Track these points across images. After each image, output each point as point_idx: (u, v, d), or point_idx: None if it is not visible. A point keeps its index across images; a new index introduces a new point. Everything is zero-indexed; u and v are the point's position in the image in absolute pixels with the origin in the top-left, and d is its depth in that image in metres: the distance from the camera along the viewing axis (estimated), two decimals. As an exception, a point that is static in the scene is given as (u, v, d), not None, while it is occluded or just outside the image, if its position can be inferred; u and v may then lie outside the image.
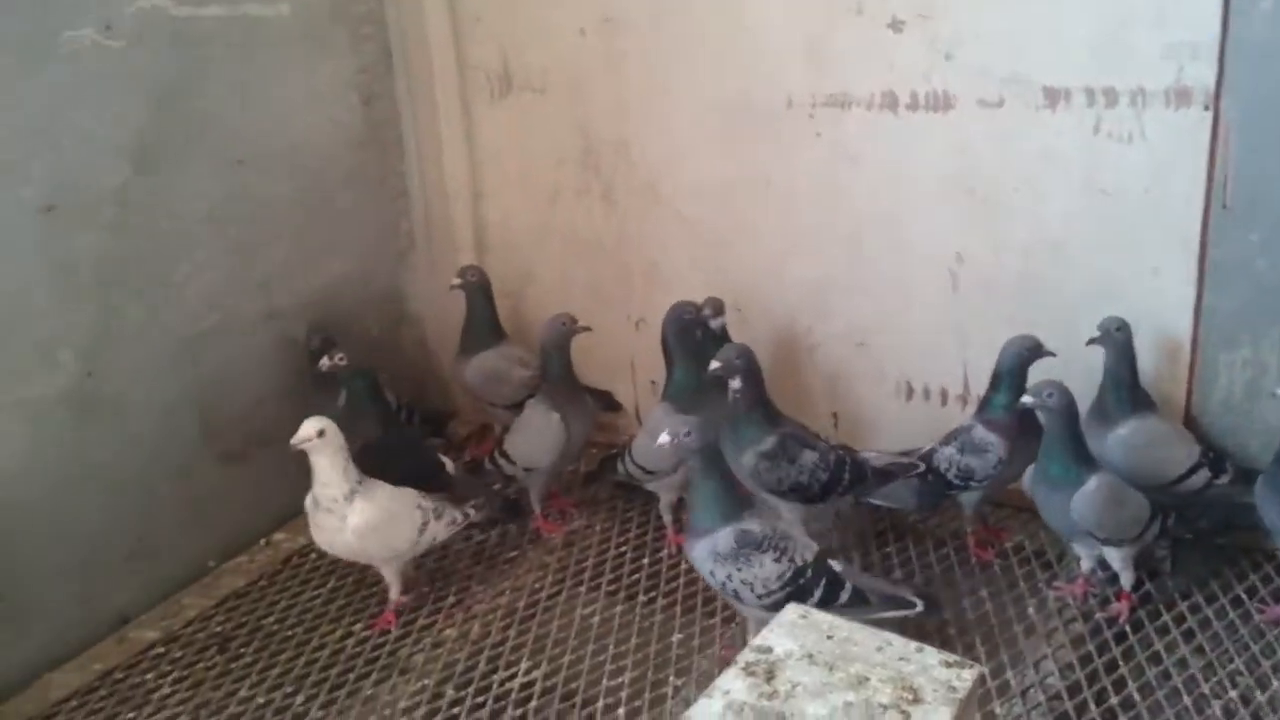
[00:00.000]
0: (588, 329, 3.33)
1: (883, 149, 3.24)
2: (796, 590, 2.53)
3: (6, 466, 2.84)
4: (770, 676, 1.99)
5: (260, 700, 2.77)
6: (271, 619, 3.10)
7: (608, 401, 3.76)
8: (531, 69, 3.72)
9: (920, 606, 2.58)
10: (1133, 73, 2.86)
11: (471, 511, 3.12)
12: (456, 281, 3.63)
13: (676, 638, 2.90)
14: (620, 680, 2.76)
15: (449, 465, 3.35)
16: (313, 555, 3.32)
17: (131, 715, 2.76)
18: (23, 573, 2.86)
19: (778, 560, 2.57)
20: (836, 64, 3.22)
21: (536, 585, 3.17)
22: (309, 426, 2.77)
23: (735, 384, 2.91)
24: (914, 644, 1.96)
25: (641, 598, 3.08)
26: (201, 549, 3.35)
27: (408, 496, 2.97)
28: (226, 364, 3.37)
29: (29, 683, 2.88)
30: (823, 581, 2.56)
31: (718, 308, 3.30)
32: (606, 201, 3.76)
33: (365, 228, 3.83)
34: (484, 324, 3.67)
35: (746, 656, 2.05)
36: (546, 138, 3.78)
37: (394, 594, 3.03)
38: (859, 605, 2.54)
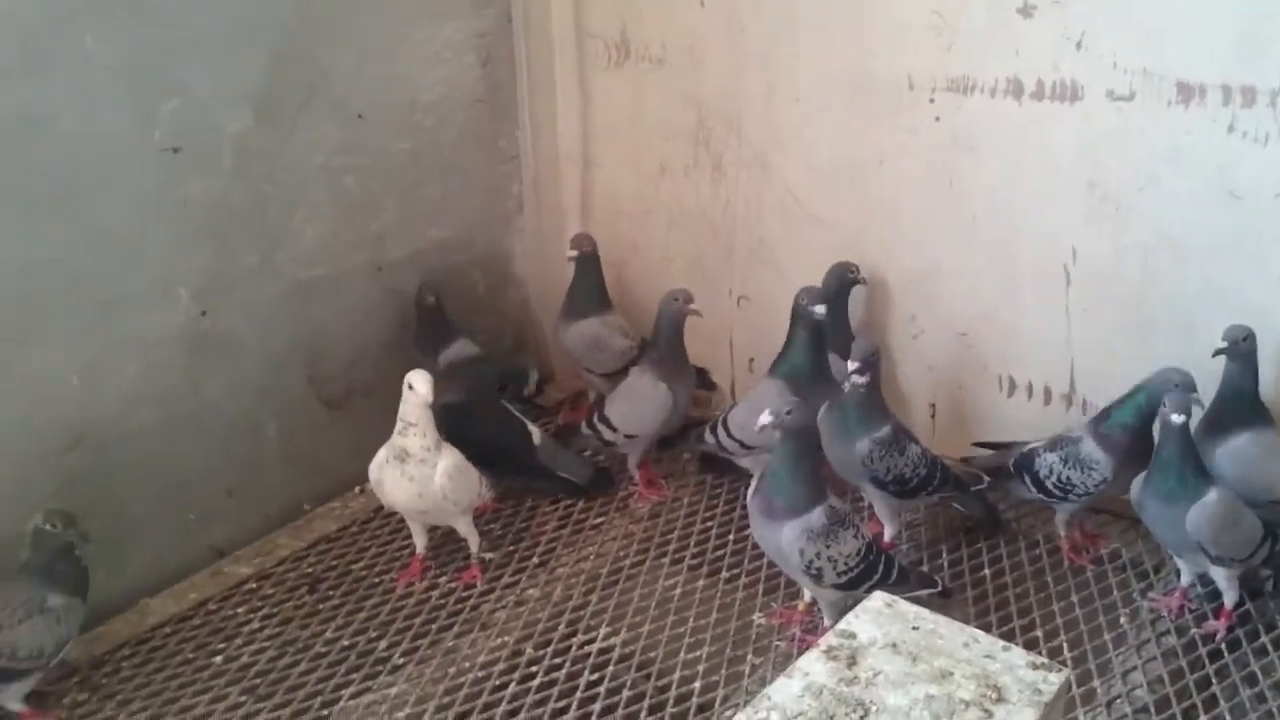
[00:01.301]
0: (698, 313, 3.33)
1: (1003, 137, 3.16)
2: (866, 567, 2.62)
3: (119, 398, 2.94)
4: (852, 662, 1.97)
5: (345, 643, 2.83)
6: (360, 565, 3.17)
7: (703, 380, 3.75)
8: (650, 39, 3.70)
9: (940, 588, 2.72)
10: (1275, 72, 2.74)
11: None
12: (573, 252, 3.63)
13: (757, 618, 2.89)
14: (698, 654, 2.76)
15: (534, 434, 3.37)
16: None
17: (222, 645, 2.84)
18: (128, 501, 2.96)
19: (856, 537, 2.62)
20: (962, 47, 3.14)
21: (621, 553, 3.18)
22: (426, 383, 2.83)
23: (860, 379, 2.90)
24: (1001, 642, 1.93)
25: (724, 574, 3.07)
26: (298, 492, 3.43)
27: None
28: (334, 313, 3.44)
29: (128, 606, 2.98)
30: (883, 560, 2.66)
31: (814, 297, 3.26)
32: (715, 176, 3.73)
33: (476, 188, 3.86)
34: (591, 291, 3.68)
35: (829, 640, 2.04)
36: (660, 109, 3.76)
37: (474, 546, 3.08)
38: (901, 583, 2.63)
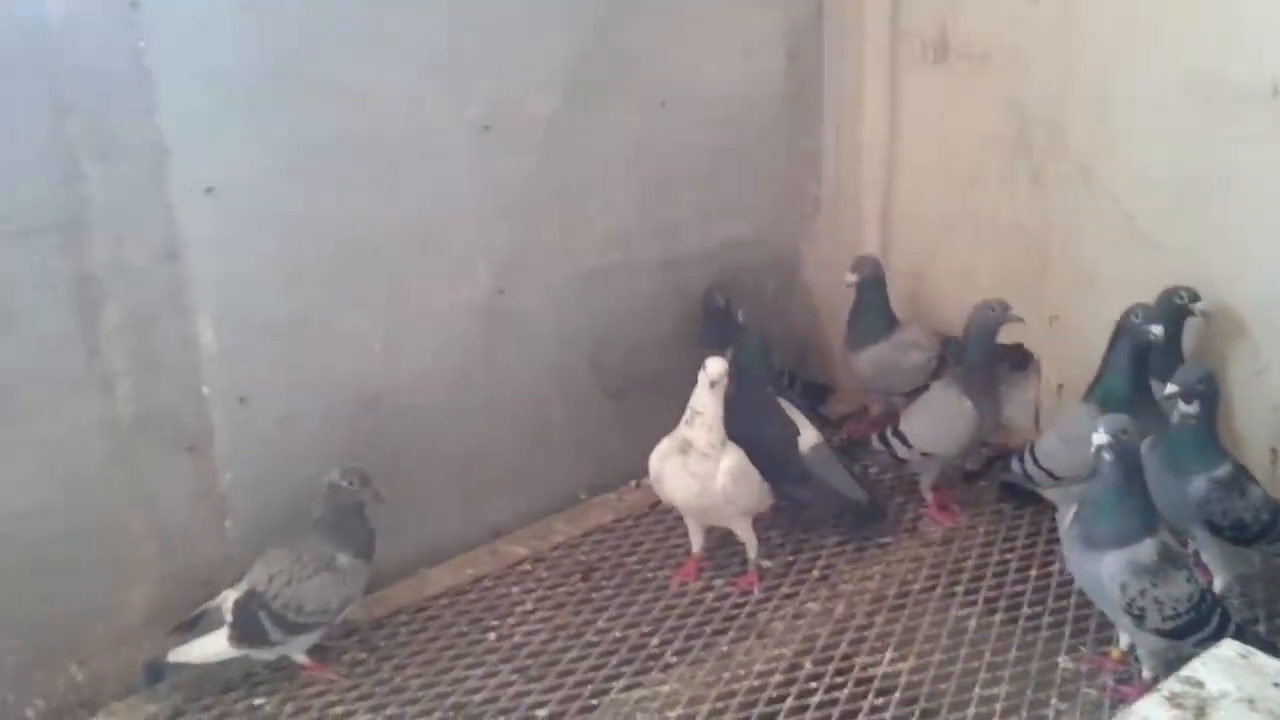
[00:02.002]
0: (1020, 319, 3.09)
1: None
2: (1197, 617, 2.34)
3: (416, 368, 2.96)
4: (1200, 714, 1.72)
5: (617, 635, 2.75)
6: (634, 558, 3.08)
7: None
8: (970, 37, 3.49)
9: None
10: None
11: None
12: (852, 278, 3.44)
13: (1062, 660, 2.62)
14: (995, 692, 2.51)
15: (805, 439, 3.17)
16: (678, 507, 3.26)
17: (495, 623, 2.81)
18: (415, 471, 2.96)
19: (1189, 580, 2.34)
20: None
21: (909, 577, 2.96)
22: (719, 365, 2.72)
23: (1190, 408, 2.60)
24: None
25: (1024, 610, 2.81)
26: (575, 479, 3.39)
27: None
28: (622, 302, 3.38)
29: (406, 575, 2.99)
30: (1217, 613, 2.37)
31: (1150, 315, 2.95)
32: (1033, 186, 3.46)
33: (773, 187, 3.74)
34: (875, 316, 3.49)
35: (1171, 686, 1.79)
36: (976, 112, 3.53)
37: (751, 552, 2.94)
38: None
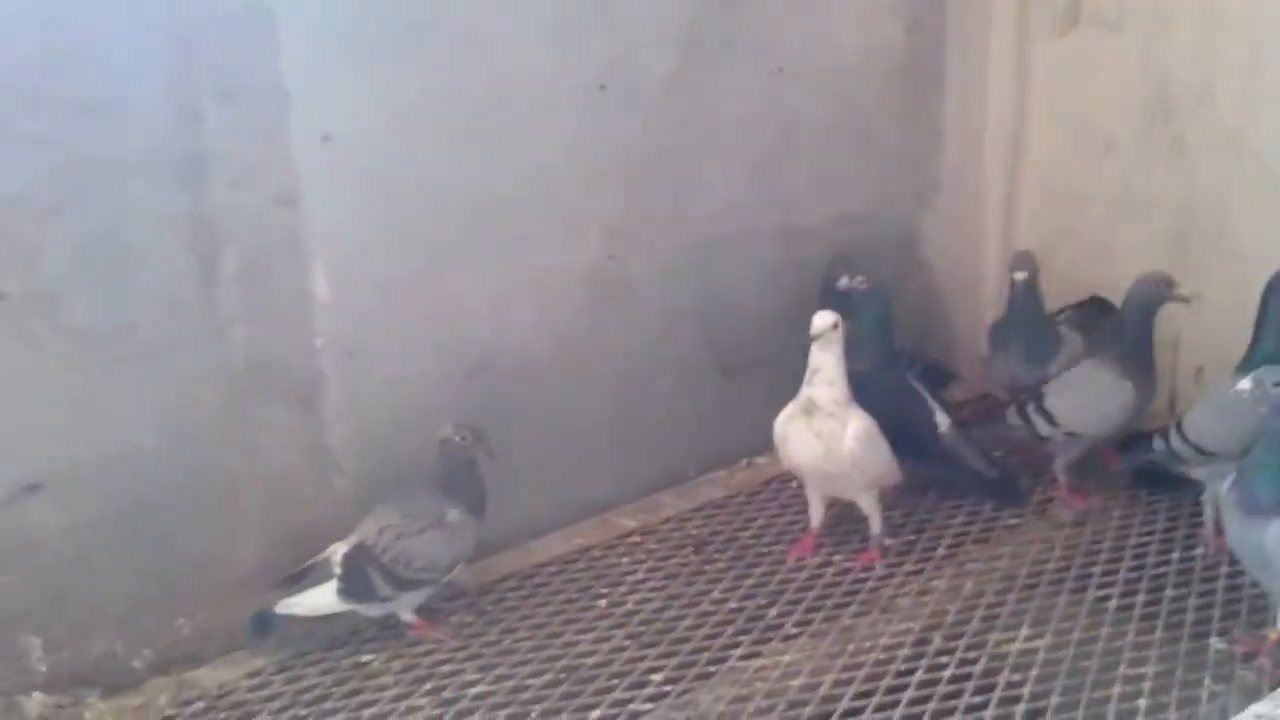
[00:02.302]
0: (1185, 299, 2.94)
1: None
2: None
3: (523, 331, 2.89)
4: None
5: (733, 605, 2.63)
6: (748, 534, 2.96)
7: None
8: (1105, 1, 3.33)
9: None
10: None
11: None
12: (1021, 275, 3.15)
13: (1214, 641, 2.43)
14: (1142, 671, 2.34)
15: (941, 421, 3.04)
16: (793, 483, 3.14)
17: (606, 591, 2.71)
18: (522, 439, 2.86)
19: None
20: None
21: (1041, 557, 2.80)
22: (825, 317, 2.61)
23: None
24: None
25: (1169, 592, 2.62)
26: (683, 455, 3.28)
27: None
28: (737, 275, 3.27)
29: (512, 544, 2.91)
30: None
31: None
32: (1173, 156, 3.29)
33: (890, 162, 3.61)
34: (1040, 327, 3.24)
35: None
36: (1111, 80, 3.38)
37: (875, 527, 2.81)
38: None
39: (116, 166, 2.25)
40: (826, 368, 2.63)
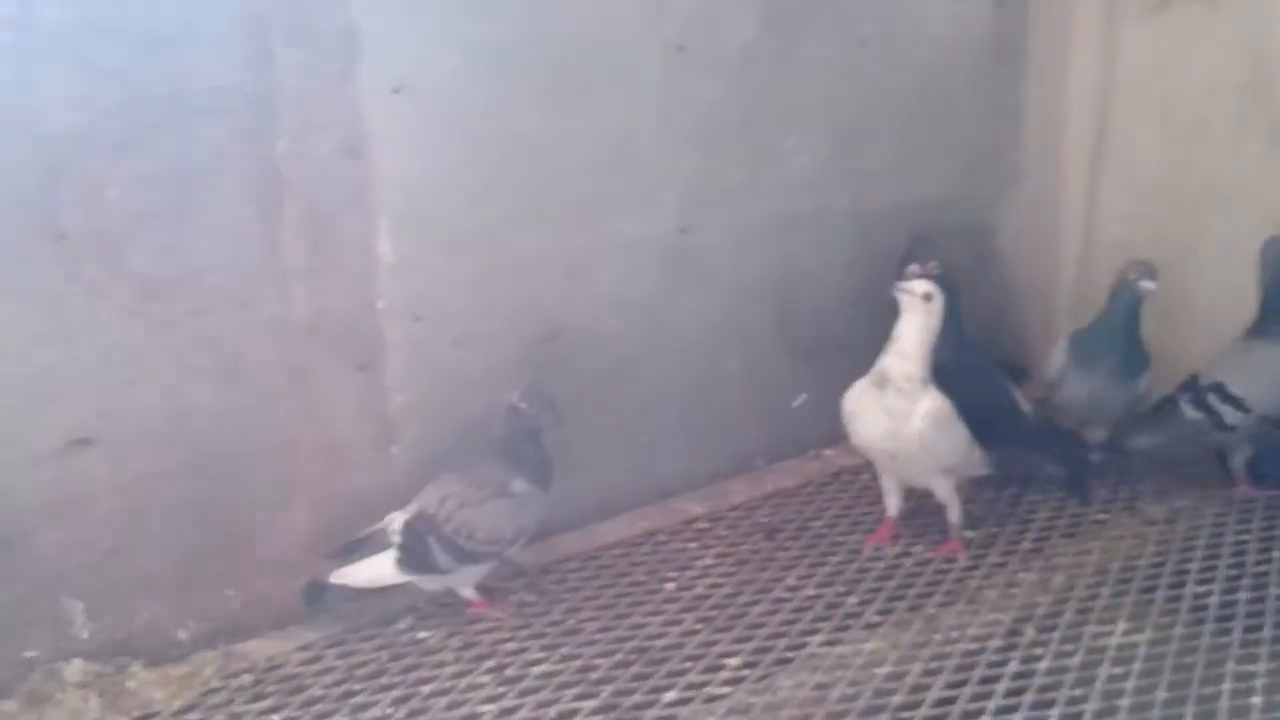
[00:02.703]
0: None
1: None
2: None
3: (595, 300, 2.78)
4: None
5: (810, 592, 2.50)
6: (821, 522, 2.83)
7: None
8: (1202, -24, 3.19)
9: None
10: None
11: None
12: (1149, 285, 2.86)
13: (1327, 640, 2.27)
14: (1253, 669, 2.18)
15: (1024, 404, 2.90)
16: (865, 475, 3.00)
17: (674, 575, 2.59)
18: (590, 414, 2.73)
19: None
20: None
21: (1134, 552, 2.65)
22: (921, 282, 2.50)
23: None
24: None
25: (1274, 590, 2.46)
26: (751, 443, 3.16)
27: None
28: (811, 254, 3.15)
29: (574, 527, 2.78)
30: None
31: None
32: (1270, 144, 3.13)
33: (969, 146, 3.47)
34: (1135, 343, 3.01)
35: None
36: (1204, 60, 3.23)
37: (953, 516, 2.67)
38: None
39: (184, 105, 2.15)
40: (905, 338, 2.50)
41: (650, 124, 2.79)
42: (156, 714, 2.10)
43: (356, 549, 2.35)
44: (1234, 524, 2.77)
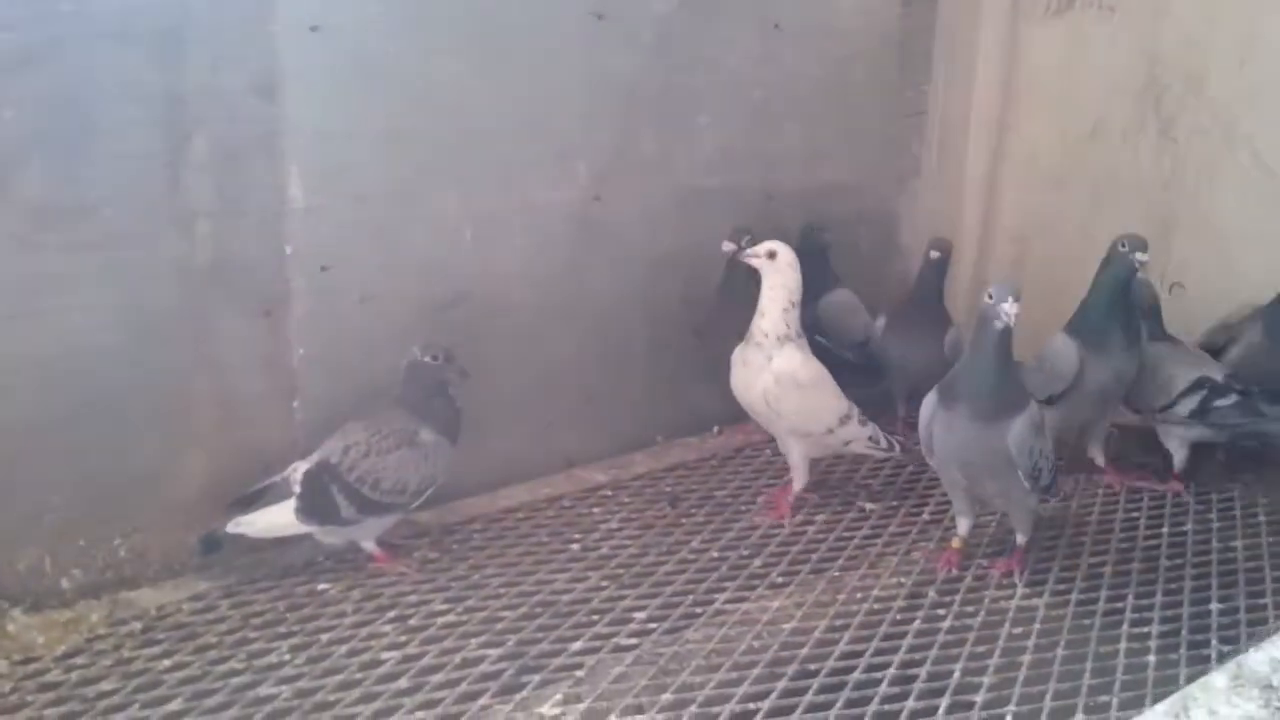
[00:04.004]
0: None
1: None
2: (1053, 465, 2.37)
3: (504, 266, 2.75)
4: None
5: (715, 555, 2.51)
6: (724, 493, 2.84)
7: None
8: (1104, -19, 3.32)
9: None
10: None
11: (898, 445, 2.73)
12: (1144, 258, 2.75)
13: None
14: (1147, 630, 2.24)
15: None
16: (767, 451, 3.02)
17: (579, 536, 2.57)
18: (497, 383, 2.69)
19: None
20: None
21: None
22: (766, 243, 2.56)
23: None
24: None
25: (1164, 561, 2.54)
26: (652, 419, 3.16)
27: (834, 384, 2.66)
28: (720, 232, 3.14)
29: (477, 492, 2.74)
30: None
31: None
32: (1161, 142, 3.27)
33: (874, 138, 3.55)
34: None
35: None
36: (1101, 64, 3.36)
37: (798, 484, 2.70)
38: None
39: (88, 26, 2.07)
40: (764, 296, 2.56)
41: (567, 90, 2.78)
42: (39, 658, 1.99)
43: (257, 499, 2.28)
44: (1125, 502, 2.85)
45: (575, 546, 2.51)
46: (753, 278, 2.63)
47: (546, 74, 2.73)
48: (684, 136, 3.03)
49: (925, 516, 2.74)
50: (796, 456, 2.68)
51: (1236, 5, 3.06)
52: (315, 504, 2.24)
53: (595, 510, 2.70)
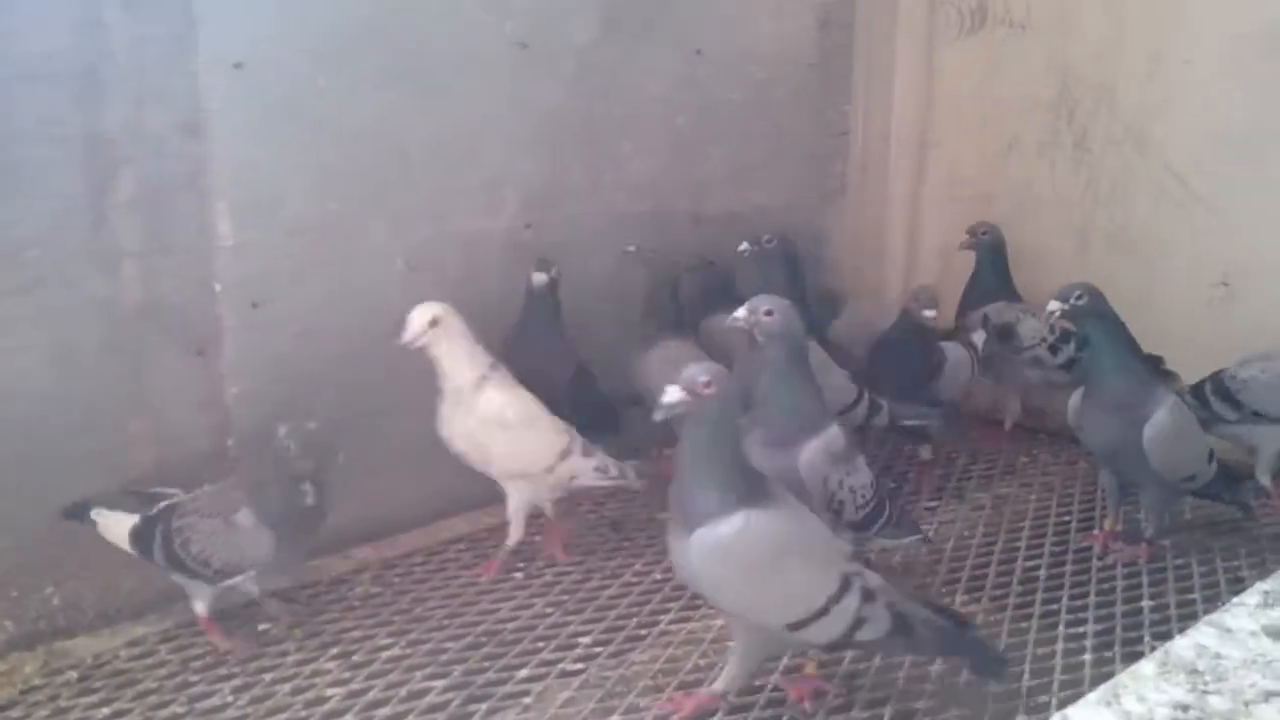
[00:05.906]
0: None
1: None
2: (878, 504, 2.24)
3: (440, 295, 2.71)
4: None
5: (657, 576, 2.53)
6: (667, 515, 2.82)
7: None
8: (1013, 1, 3.40)
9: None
10: None
11: (631, 473, 2.59)
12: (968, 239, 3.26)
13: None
14: (1082, 630, 2.28)
15: None
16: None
17: (522, 564, 2.58)
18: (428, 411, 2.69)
19: (869, 466, 2.29)
20: None
21: (965, 534, 2.75)
22: (420, 315, 2.37)
23: None
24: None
25: (1095, 563, 2.60)
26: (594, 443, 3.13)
27: (551, 417, 2.52)
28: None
29: (422, 525, 2.74)
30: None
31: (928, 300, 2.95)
32: (1076, 154, 3.36)
33: (799, 159, 3.60)
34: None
35: None
36: (1016, 80, 3.44)
37: (512, 538, 2.50)
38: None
39: (6, 68, 2.05)
40: (441, 363, 2.42)
41: (494, 119, 2.80)
42: (-30, 712, 1.95)
43: (145, 500, 2.21)
44: (1056, 508, 2.91)
45: (519, 575, 2.51)
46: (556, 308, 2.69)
47: (473, 104, 2.74)
48: (611, 163, 3.07)
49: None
50: (514, 505, 2.50)
51: (1141, 19, 3.15)
52: (143, 535, 2.16)
53: (537, 538, 2.68)
